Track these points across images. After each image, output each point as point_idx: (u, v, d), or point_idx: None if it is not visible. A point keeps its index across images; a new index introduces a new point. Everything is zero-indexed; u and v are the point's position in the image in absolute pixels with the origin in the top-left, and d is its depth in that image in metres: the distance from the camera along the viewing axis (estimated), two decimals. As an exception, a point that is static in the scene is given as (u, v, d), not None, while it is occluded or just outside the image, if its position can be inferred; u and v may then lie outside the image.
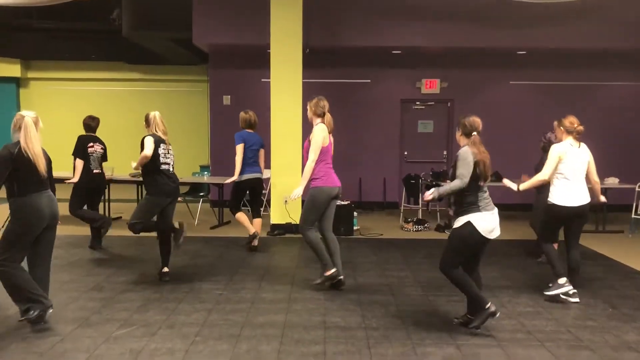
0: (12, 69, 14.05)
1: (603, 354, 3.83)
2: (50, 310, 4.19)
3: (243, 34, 9.33)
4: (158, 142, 5.32)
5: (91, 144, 6.68)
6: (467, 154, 4.06)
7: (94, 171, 6.67)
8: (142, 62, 13.74)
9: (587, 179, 5.05)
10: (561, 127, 4.99)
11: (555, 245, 6.17)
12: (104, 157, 6.83)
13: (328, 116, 5.32)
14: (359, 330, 4.22)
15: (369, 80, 10.63)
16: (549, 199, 4.99)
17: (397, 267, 6.22)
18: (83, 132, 6.77)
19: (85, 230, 7.07)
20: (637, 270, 6.17)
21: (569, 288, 4.92)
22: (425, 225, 8.62)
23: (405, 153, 10.78)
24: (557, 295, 4.92)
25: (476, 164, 4.02)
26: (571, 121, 4.92)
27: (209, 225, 8.70)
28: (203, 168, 11.60)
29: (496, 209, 4.14)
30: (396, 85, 10.64)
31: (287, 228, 8.01)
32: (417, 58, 10.43)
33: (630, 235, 8.28)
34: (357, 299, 5.00)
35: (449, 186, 4.11)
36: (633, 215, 8.35)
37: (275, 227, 8.04)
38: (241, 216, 6.86)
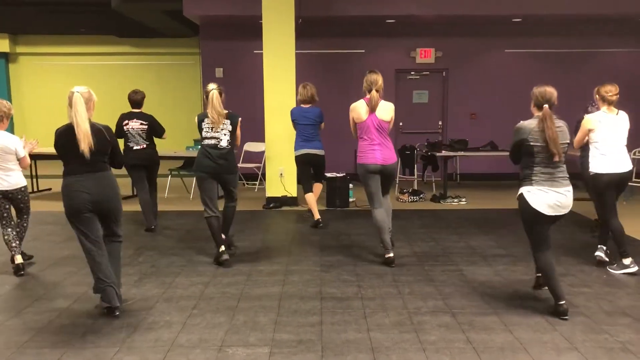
0: (1, 44, 13.80)
1: (598, 319, 3.86)
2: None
3: (234, 5, 9.16)
4: (202, 115, 5.21)
5: (126, 121, 6.40)
6: (517, 127, 4.06)
7: (134, 148, 6.39)
8: (132, 35, 13.50)
9: None
10: (597, 95, 5.02)
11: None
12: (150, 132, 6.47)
13: (373, 93, 5.51)
14: (355, 301, 4.24)
15: (363, 51, 10.50)
16: (589, 171, 4.98)
17: (393, 237, 6.22)
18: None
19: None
20: (632, 236, 6.20)
21: (634, 269, 4.84)
22: (421, 196, 8.62)
23: (401, 124, 10.71)
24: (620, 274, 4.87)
25: (522, 140, 3.93)
26: (606, 90, 4.95)
27: (204, 199, 8.67)
28: (197, 142, 11.51)
29: (562, 188, 3.86)
30: (390, 55, 10.51)
31: (283, 201, 8.00)
32: (412, 27, 10.30)
33: (625, 202, 8.30)
34: (353, 270, 5.02)
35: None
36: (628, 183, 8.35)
37: (270, 200, 8.02)
38: (309, 197, 6.85)
